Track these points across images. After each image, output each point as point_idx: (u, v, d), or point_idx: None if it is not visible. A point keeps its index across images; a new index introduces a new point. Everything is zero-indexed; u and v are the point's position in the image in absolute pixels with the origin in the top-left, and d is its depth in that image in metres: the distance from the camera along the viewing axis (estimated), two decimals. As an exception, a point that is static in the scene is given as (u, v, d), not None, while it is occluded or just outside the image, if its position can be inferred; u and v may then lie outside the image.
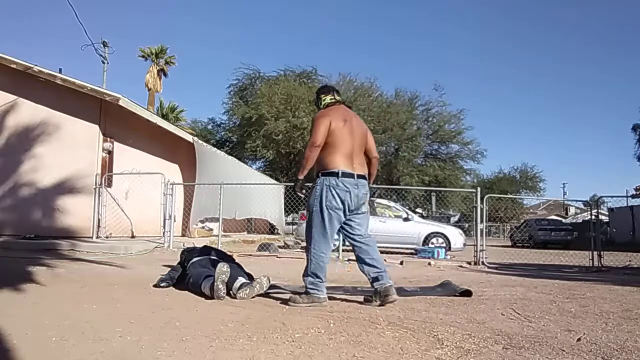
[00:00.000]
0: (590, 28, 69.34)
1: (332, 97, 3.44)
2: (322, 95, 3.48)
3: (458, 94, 68.43)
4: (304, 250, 9.18)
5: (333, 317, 2.83)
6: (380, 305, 3.20)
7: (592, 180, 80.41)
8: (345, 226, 3.34)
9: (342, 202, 3.16)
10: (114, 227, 8.89)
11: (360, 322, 2.70)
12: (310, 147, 3.18)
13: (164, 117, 22.33)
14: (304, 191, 3.33)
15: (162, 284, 3.83)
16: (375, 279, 3.27)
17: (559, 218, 38.42)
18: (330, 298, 3.59)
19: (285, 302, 3.28)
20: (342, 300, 3.53)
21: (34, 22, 59.83)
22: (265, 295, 3.49)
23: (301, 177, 3.27)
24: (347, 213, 3.24)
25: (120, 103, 8.46)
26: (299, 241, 10.76)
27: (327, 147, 3.18)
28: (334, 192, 3.14)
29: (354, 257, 7.82)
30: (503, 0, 66.65)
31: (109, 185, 8.94)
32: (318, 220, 3.19)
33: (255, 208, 13.63)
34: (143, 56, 31.29)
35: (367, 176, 3.36)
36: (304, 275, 3.27)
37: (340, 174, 3.14)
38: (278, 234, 16.72)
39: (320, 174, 3.22)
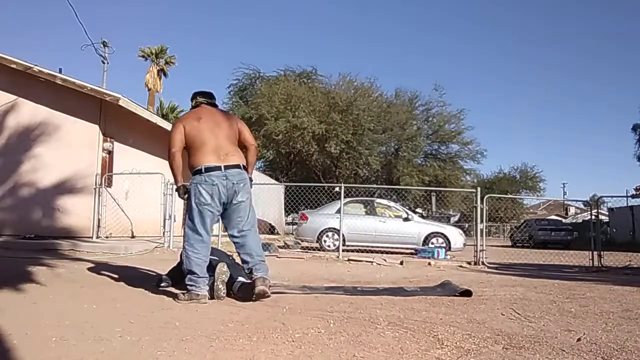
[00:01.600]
0: (590, 28, 69.38)
1: (195, 100, 3.52)
2: (191, 102, 3.57)
3: (458, 93, 68.40)
4: (304, 250, 9.22)
5: (333, 317, 2.83)
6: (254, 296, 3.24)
7: (592, 180, 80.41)
8: (225, 221, 3.44)
9: (211, 197, 3.23)
10: (114, 227, 8.89)
11: (360, 322, 2.70)
12: (168, 154, 3.31)
13: (164, 117, 22.36)
14: (186, 195, 3.37)
15: (162, 284, 3.82)
16: (250, 271, 3.36)
17: (559, 218, 38.43)
18: (330, 298, 3.60)
19: (284, 300, 3.30)
20: (342, 300, 3.53)
21: (34, 22, 59.85)
22: (265, 295, 3.49)
23: (178, 185, 3.40)
24: (220, 206, 3.30)
25: (120, 103, 8.46)
26: (299, 241, 10.76)
27: (190, 149, 3.29)
28: (200, 188, 3.22)
29: (354, 257, 7.88)
30: (503, 1, 66.67)
31: (109, 185, 8.94)
32: (190, 218, 3.30)
33: (254, 208, 13.59)
34: (143, 56, 31.34)
35: (242, 165, 3.36)
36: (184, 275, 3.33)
37: (203, 170, 3.21)
38: (278, 234, 16.71)
39: (192, 176, 3.31)
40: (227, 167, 3.25)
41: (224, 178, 3.23)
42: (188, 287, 3.27)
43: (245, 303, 3.23)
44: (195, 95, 3.56)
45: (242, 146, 3.52)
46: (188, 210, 3.32)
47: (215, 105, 3.58)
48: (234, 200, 3.31)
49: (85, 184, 8.55)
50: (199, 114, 3.38)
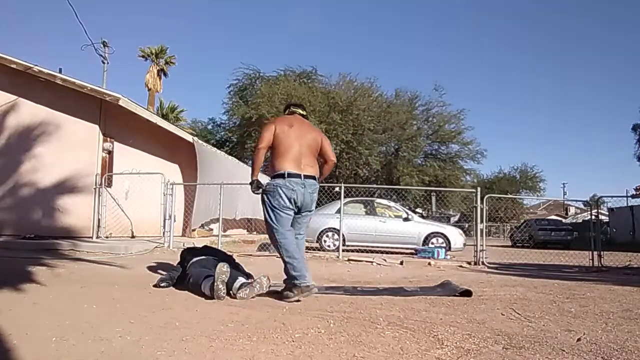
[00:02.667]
0: (589, 28, 69.38)
1: (290, 109, 3.81)
2: (284, 112, 3.88)
3: (458, 94, 68.43)
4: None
5: (333, 317, 2.83)
6: (297, 300, 3.36)
7: (592, 180, 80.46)
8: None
9: (289, 200, 3.46)
10: (114, 227, 8.89)
11: (360, 322, 2.70)
12: (255, 150, 3.58)
13: (164, 117, 22.33)
14: (259, 190, 3.56)
15: (162, 284, 3.83)
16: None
17: (559, 218, 38.42)
18: (330, 298, 3.60)
19: (281, 298, 3.34)
20: (342, 300, 3.53)
21: (34, 22, 59.85)
22: (265, 295, 3.49)
23: (254, 178, 3.57)
24: (295, 209, 3.54)
25: (120, 103, 8.46)
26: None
27: (276, 152, 3.51)
28: (281, 191, 3.44)
29: (354, 257, 7.88)
30: (503, 2, 66.67)
31: (109, 185, 8.94)
32: (270, 218, 3.51)
33: (255, 208, 13.62)
34: (143, 56, 31.31)
35: (316, 177, 3.60)
36: (285, 271, 3.46)
37: (286, 175, 3.44)
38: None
39: (271, 177, 3.52)
40: (305, 177, 3.50)
41: (303, 186, 3.47)
42: (295, 282, 3.34)
43: (246, 303, 3.24)
44: (289, 105, 3.89)
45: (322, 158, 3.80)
46: (268, 210, 3.50)
47: (307, 117, 3.84)
48: (306, 208, 3.59)
49: (85, 184, 8.55)
50: (291, 121, 3.61)
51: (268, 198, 3.48)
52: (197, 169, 10.95)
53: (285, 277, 3.52)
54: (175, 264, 4.21)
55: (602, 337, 2.44)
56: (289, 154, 3.46)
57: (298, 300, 3.31)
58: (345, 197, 9.00)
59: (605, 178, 78.89)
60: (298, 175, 3.45)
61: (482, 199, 7.61)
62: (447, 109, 23.30)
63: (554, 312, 3.19)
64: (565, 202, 47.91)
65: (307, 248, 9.89)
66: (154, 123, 9.95)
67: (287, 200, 3.44)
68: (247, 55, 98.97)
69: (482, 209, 7.59)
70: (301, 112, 3.79)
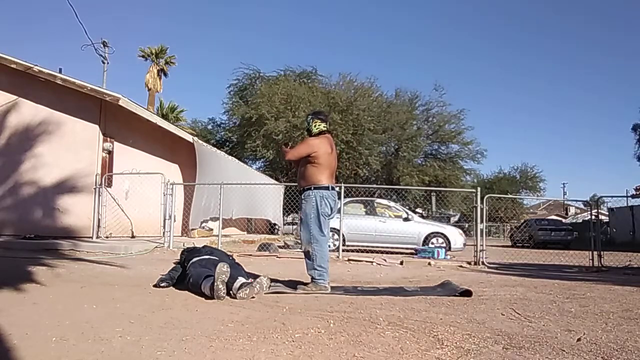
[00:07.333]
0: (589, 29, 69.40)
1: (325, 126, 4.21)
2: (319, 121, 4.19)
3: (458, 94, 68.39)
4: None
5: (333, 317, 2.83)
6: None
7: (592, 180, 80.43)
8: None
9: (331, 209, 4.07)
10: (114, 227, 8.89)
11: (360, 322, 2.70)
12: (293, 154, 4.06)
13: (164, 117, 22.30)
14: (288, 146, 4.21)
15: (162, 284, 3.83)
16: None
17: (559, 218, 38.40)
18: (330, 298, 3.60)
19: (284, 300, 3.30)
20: (342, 300, 3.53)
21: (34, 22, 59.86)
22: (265, 295, 3.49)
23: (285, 151, 4.15)
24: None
25: (120, 103, 8.46)
26: (299, 241, 10.76)
27: (319, 166, 4.01)
28: (326, 201, 4.00)
29: (354, 257, 7.87)
30: (503, 3, 66.70)
31: (109, 185, 8.94)
32: (317, 224, 3.97)
33: (255, 208, 13.63)
34: (143, 56, 31.27)
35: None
36: (310, 269, 3.95)
37: (330, 188, 4.06)
38: (278, 233, 16.73)
39: (313, 187, 4.00)
40: (333, 188, 4.14)
41: (336, 196, 4.17)
42: (316, 278, 3.88)
43: (245, 303, 3.24)
44: (326, 120, 4.26)
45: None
46: (314, 217, 3.97)
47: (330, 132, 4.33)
48: (334, 213, 4.15)
49: (85, 184, 8.55)
50: (331, 144, 4.13)
51: (315, 206, 3.95)
52: (197, 169, 10.96)
53: (310, 277, 3.94)
54: (175, 264, 4.21)
55: (602, 337, 2.44)
56: (329, 171, 4.06)
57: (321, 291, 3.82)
58: (345, 197, 9.00)
59: (605, 178, 78.93)
60: (334, 189, 4.13)
61: (482, 199, 7.61)
62: (447, 109, 23.32)
63: (554, 312, 3.19)
64: (565, 202, 47.88)
65: (307, 248, 9.93)
66: (154, 123, 9.95)
67: (329, 209, 4.03)
68: (247, 55, 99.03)
69: (482, 209, 7.59)
70: (329, 129, 4.25)
